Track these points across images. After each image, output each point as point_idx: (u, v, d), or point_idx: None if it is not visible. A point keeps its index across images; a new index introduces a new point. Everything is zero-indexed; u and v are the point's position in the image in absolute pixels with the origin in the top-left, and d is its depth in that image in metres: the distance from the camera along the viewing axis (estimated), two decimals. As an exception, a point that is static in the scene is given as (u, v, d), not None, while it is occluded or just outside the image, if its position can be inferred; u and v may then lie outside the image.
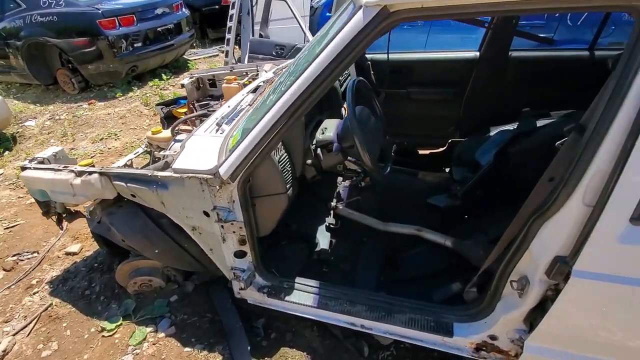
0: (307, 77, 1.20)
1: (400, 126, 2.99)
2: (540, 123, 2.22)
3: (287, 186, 1.49)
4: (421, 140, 3.05)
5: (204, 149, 1.50)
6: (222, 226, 1.48)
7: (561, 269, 1.09)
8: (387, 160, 1.77)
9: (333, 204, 2.17)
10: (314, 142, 1.65)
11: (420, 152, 2.94)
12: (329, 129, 1.64)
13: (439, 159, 2.79)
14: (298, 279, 1.78)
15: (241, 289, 1.74)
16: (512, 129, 2.29)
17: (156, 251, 1.87)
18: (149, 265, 2.08)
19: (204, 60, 7.04)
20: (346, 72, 2.35)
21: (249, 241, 1.59)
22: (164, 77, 5.93)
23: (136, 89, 5.76)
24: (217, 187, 1.36)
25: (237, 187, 1.39)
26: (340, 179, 2.30)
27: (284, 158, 1.49)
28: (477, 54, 2.65)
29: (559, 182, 1.07)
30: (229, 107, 1.79)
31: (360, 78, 1.64)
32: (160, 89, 5.65)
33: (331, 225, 2.12)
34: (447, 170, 2.51)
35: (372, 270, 1.91)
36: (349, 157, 2.16)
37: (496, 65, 2.62)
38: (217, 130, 1.55)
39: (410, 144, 2.88)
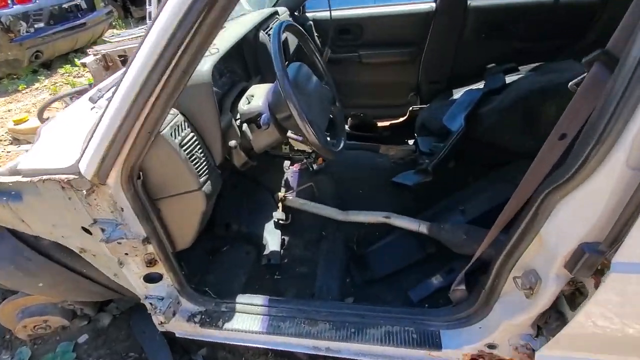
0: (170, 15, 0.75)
1: (353, 96, 2.61)
2: (509, 80, 1.94)
3: (202, 179, 1.05)
4: (379, 111, 2.69)
5: (67, 137, 1.00)
6: (111, 247, 1.01)
7: (591, 261, 0.77)
8: (339, 135, 1.37)
9: (281, 194, 1.75)
10: (238, 116, 1.21)
11: (379, 124, 2.58)
12: (257, 96, 1.20)
13: (400, 131, 2.45)
14: (241, 298, 1.36)
15: (162, 322, 1.29)
16: (478, 88, 1.99)
17: (40, 285, 1.35)
18: (40, 302, 1.55)
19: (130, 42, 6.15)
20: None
21: (160, 260, 1.14)
22: (77, 62, 5.04)
23: (43, 78, 4.85)
24: (86, 191, 0.89)
25: (122, 188, 0.93)
26: (287, 163, 1.88)
27: (190, 141, 1.03)
28: (433, 5, 2.30)
29: (585, 139, 0.73)
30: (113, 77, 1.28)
31: (290, 21, 1.21)
32: (73, 77, 4.79)
33: (281, 221, 1.72)
34: (412, 142, 2.18)
35: (335, 272, 1.54)
36: (289, 134, 1.75)
37: (454, 18, 2.29)
38: (92, 108, 1.05)
39: (367, 115, 2.51)
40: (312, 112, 1.19)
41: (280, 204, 1.74)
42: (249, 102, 1.19)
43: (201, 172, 1.05)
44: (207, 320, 1.31)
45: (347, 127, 2.48)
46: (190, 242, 1.20)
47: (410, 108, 2.50)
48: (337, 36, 2.43)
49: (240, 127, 1.19)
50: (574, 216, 0.80)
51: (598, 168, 0.72)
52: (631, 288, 0.76)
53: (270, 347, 1.30)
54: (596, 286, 0.79)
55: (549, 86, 1.62)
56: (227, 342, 1.32)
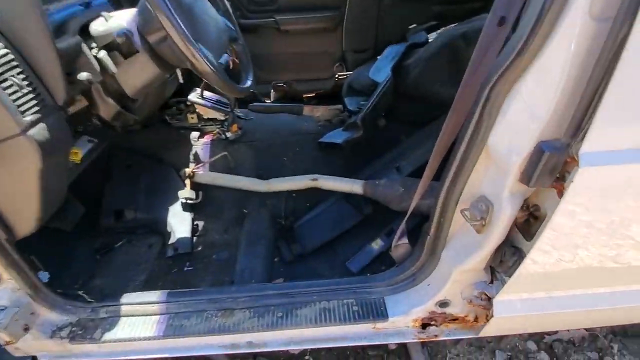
0: None
1: (274, 71, 2.37)
2: (432, 38, 1.85)
3: (28, 119, 0.70)
4: (303, 85, 2.48)
5: None
6: None
7: (553, 162, 0.61)
8: (246, 72, 1.11)
9: (188, 170, 1.43)
10: (94, 44, 0.88)
11: (306, 97, 2.37)
12: (119, 16, 0.88)
13: (327, 100, 2.26)
14: (128, 297, 1.02)
15: (8, 343, 0.91)
16: (402, 43, 1.88)
17: None
18: None
19: None
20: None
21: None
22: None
23: None
24: None
25: None
26: (195, 135, 1.56)
27: (3, 61, 0.69)
28: (349, -36, 2.16)
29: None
30: None
31: None
32: None
33: (189, 201, 1.39)
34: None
35: (260, 252, 1.27)
36: (192, 96, 1.45)
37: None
38: None
39: (291, 86, 2.28)
40: (202, 38, 0.91)
41: (187, 181, 1.42)
42: (106, 20, 0.87)
43: (26, 108, 0.71)
44: (80, 332, 0.95)
45: (269, 101, 2.23)
46: (35, 224, 0.84)
47: (336, 76, 2.32)
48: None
49: (97, 57, 0.86)
50: (527, 109, 0.63)
51: (555, 25, 0.55)
52: (605, 185, 0.61)
53: (171, 355, 0.97)
54: (560, 194, 0.63)
55: (471, 30, 1.54)
56: (111, 359, 0.97)
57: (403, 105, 1.67)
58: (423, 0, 2.28)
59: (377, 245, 1.27)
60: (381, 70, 1.63)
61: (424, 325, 1.01)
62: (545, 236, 0.70)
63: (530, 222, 0.77)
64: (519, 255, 0.79)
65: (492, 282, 0.90)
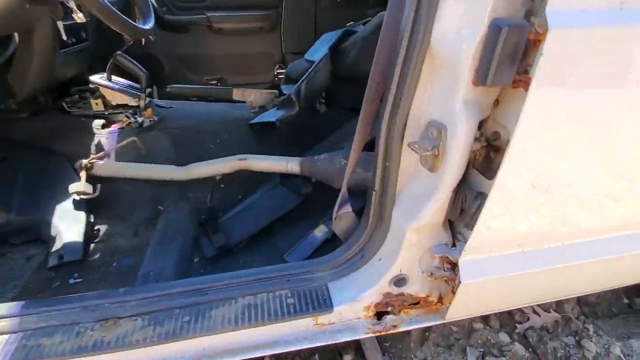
0: None
1: (209, 71, 2.19)
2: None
3: None
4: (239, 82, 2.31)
5: None
6: None
7: (513, 40, 0.46)
8: (145, 11, 0.90)
9: (84, 161, 1.15)
10: None
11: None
12: None
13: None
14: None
15: None
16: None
17: None
18: None
19: None
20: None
21: None
22: None
23: None
24: None
25: None
26: (98, 122, 1.29)
27: None
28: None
29: None
30: None
31: None
32: None
33: (84, 197, 1.10)
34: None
35: (173, 252, 1.00)
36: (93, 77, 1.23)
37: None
38: None
39: (227, 83, 2.11)
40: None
41: (83, 174, 1.13)
42: None
43: None
44: None
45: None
46: None
47: (275, 73, 2.19)
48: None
49: None
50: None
51: None
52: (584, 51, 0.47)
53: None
54: (526, 86, 0.48)
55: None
56: None
57: (343, 90, 1.55)
58: (359, 5, 2.29)
59: (320, 232, 1.06)
60: (318, 52, 1.50)
61: (380, 315, 0.80)
62: (509, 164, 0.55)
63: (490, 157, 0.62)
64: (482, 198, 0.63)
65: (454, 245, 0.72)
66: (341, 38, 1.58)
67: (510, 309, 0.93)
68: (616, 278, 0.88)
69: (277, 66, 2.34)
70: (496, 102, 0.58)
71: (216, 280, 0.78)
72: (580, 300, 1.27)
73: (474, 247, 0.65)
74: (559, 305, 1.23)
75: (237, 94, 1.48)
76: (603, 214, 0.68)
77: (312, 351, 1.01)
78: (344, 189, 0.82)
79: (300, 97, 1.24)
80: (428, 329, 1.15)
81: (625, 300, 1.33)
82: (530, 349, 1.10)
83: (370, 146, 0.75)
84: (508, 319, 1.19)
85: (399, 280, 0.75)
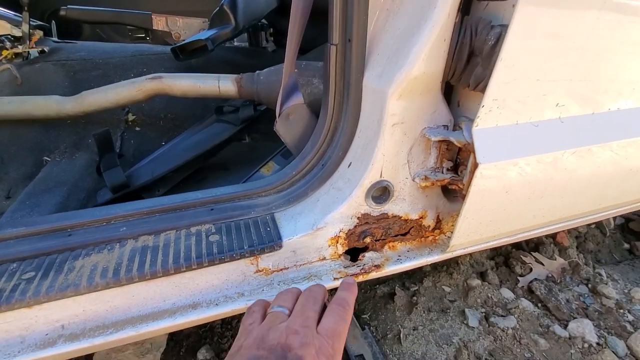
0: None
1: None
2: None
3: None
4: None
5: None
6: None
7: None
8: None
9: None
10: None
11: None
12: None
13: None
14: None
15: None
16: None
17: None
18: None
19: None
20: None
21: None
22: None
23: None
24: None
25: None
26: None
27: None
28: None
29: None
30: None
31: None
32: None
33: None
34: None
35: (47, 202, 0.68)
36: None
37: None
38: None
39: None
40: None
41: None
42: None
43: None
44: None
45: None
46: None
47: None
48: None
49: None
50: None
51: None
52: None
53: None
54: None
55: None
56: None
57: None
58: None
59: (268, 170, 0.78)
60: None
61: (354, 254, 0.53)
62: None
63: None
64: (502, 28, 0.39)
65: (454, 128, 0.48)
66: None
67: (529, 231, 0.65)
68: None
69: None
70: None
71: (90, 215, 0.48)
72: (580, 248, 1.09)
73: (500, 103, 0.41)
74: (562, 251, 1.04)
75: (158, 21, 1.16)
76: None
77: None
78: (286, 79, 0.56)
79: (237, 9, 0.95)
80: (416, 292, 0.91)
81: (626, 246, 1.17)
82: (539, 304, 0.89)
83: None
84: (507, 273, 0.98)
85: (380, 192, 0.49)
